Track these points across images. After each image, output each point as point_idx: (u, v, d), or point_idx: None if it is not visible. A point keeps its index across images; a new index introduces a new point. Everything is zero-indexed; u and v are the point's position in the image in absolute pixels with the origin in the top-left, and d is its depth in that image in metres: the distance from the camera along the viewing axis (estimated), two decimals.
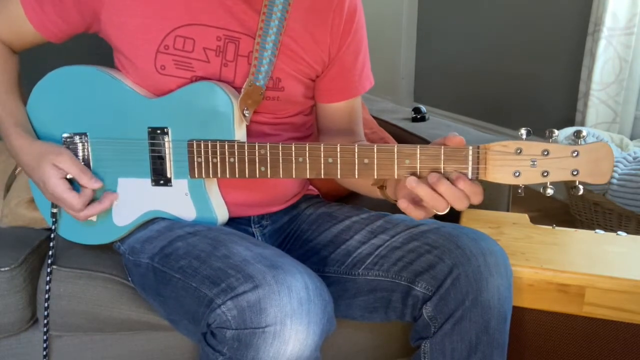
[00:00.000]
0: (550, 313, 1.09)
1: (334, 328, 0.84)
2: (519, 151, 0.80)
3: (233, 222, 1.02)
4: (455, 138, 0.81)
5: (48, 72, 0.98)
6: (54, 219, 1.01)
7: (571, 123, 2.38)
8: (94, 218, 1.00)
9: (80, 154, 0.98)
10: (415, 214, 0.84)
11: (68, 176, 0.94)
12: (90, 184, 0.94)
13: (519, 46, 2.78)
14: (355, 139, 1.10)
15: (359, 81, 1.07)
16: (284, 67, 0.98)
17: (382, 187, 0.95)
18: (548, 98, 2.64)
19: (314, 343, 0.78)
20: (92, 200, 0.97)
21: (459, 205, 0.80)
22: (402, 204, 0.84)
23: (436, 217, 1.32)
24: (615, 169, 1.79)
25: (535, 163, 0.80)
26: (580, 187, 0.81)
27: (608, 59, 2.16)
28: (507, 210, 1.39)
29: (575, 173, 0.79)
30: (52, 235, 1.02)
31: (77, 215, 0.96)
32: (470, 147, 0.81)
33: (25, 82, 1.04)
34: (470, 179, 0.80)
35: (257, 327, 0.76)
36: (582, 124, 2.26)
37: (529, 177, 0.80)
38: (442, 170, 0.82)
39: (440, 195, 0.80)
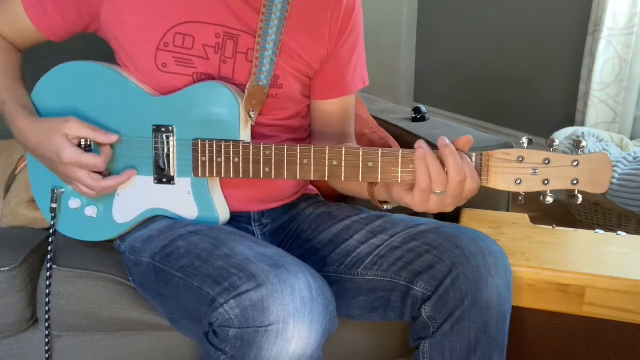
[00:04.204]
0: (550, 313, 1.09)
1: (337, 327, 0.85)
2: (520, 159, 0.82)
3: (233, 220, 1.02)
4: (463, 138, 0.82)
5: (51, 68, 0.98)
6: (53, 214, 1.01)
7: (571, 123, 2.38)
8: (94, 214, 1.00)
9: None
10: (421, 173, 0.82)
11: (82, 142, 0.93)
12: (107, 139, 0.93)
13: (519, 46, 2.78)
14: (347, 141, 1.11)
15: (351, 79, 1.07)
16: (282, 64, 0.98)
17: (372, 183, 0.95)
18: (548, 98, 2.64)
19: (317, 342, 0.78)
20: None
21: (456, 176, 0.80)
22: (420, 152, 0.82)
23: (436, 216, 1.32)
24: (615, 169, 1.79)
25: (537, 171, 0.82)
26: (580, 196, 0.82)
27: (608, 59, 2.16)
28: (507, 210, 1.39)
29: (575, 182, 0.81)
30: (52, 231, 1.02)
31: (95, 187, 0.93)
32: (474, 154, 0.83)
33: (28, 80, 1.03)
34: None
35: (260, 325, 0.76)
36: (582, 124, 2.26)
37: (530, 184, 0.82)
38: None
39: (444, 166, 0.81)
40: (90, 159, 0.91)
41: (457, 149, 0.82)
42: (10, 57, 1.02)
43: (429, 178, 0.82)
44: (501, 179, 0.83)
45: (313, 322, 0.77)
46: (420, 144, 0.82)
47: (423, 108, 1.67)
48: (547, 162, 0.81)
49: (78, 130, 0.91)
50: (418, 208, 0.85)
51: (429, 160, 0.81)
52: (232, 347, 0.77)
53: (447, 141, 0.81)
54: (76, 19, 0.97)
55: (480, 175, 0.83)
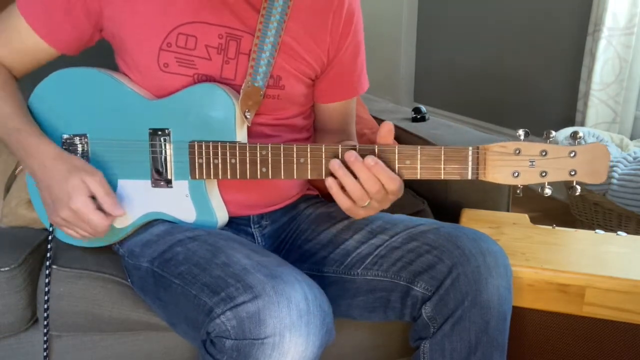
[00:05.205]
0: (550, 313, 1.09)
1: (333, 338, 0.84)
2: (517, 152, 0.81)
3: (232, 222, 1.02)
4: (383, 127, 0.84)
5: (49, 74, 0.98)
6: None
7: (571, 123, 2.38)
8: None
9: (79, 155, 0.98)
10: (340, 199, 0.86)
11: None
12: (112, 209, 0.90)
13: (519, 46, 2.78)
14: (348, 138, 1.11)
15: (358, 82, 1.08)
16: (284, 65, 0.98)
17: None
18: (548, 98, 2.64)
19: (313, 355, 0.78)
20: None
21: (371, 188, 0.83)
22: (329, 182, 0.85)
23: (436, 216, 1.32)
24: (615, 169, 1.79)
25: (534, 163, 0.81)
26: (578, 187, 0.82)
27: (608, 59, 2.16)
28: (507, 210, 1.39)
29: (572, 173, 0.81)
30: (50, 237, 1.02)
31: (83, 237, 0.93)
32: (470, 148, 0.82)
33: (27, 85, 1.03)
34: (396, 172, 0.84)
35: (256, 338, 0.75)
36: (582, 124, 2.26)
37: (528, 177, 0.82)
38: (442, 171, 0.83)
39: (357, 178, 0.83)
40: (96, 219, 0.89)
41: (381, 140, 0.84)
42: (9, 85, 0.98)
43: (349, 200, 0.85)
44: (498, 172, 0.83)
45: (309, 335, 0.77)
46: (334, 165, 0.84)
47: (423, 108, 1.67)
48: (544, 153, 0.81)
49: (95, 186, 0.89)
50: (352, 216, 0.89)
51: (344, 181, 0.84)
52: (228, 357, 0.77)
53: (355, 156, 0.83)
54: (85, 23, 0.95)
55: (477, 169, 0.83)
